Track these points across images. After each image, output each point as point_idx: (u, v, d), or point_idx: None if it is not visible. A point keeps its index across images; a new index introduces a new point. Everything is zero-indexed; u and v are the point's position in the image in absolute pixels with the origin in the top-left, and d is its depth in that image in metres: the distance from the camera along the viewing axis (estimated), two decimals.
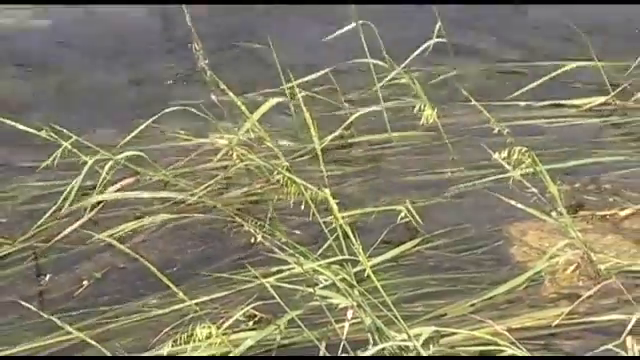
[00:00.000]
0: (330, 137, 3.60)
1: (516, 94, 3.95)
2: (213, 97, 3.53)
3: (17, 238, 3.29)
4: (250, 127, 3.45)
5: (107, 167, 3.30)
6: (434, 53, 4.21)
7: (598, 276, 2.85)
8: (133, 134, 3.52)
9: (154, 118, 3.57)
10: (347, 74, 4.19)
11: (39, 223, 3.32)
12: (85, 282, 3.08)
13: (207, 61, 3.63)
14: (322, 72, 3.96)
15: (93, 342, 2.51)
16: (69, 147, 3.36)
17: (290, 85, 3.55)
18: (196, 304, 2.71)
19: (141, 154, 3.42)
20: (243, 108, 3.46)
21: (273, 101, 3.53)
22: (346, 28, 3.95)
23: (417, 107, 3.40)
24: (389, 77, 3.83)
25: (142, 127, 3.55)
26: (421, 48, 4.05)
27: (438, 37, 4.09)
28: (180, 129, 3.74)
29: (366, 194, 3.41)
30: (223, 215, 3.26)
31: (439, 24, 4.21)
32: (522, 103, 3.95)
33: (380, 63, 3.86)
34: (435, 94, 3.86)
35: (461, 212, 3.32)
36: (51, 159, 3.37)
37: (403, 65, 3.87)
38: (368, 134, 3.77)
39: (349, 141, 3.76)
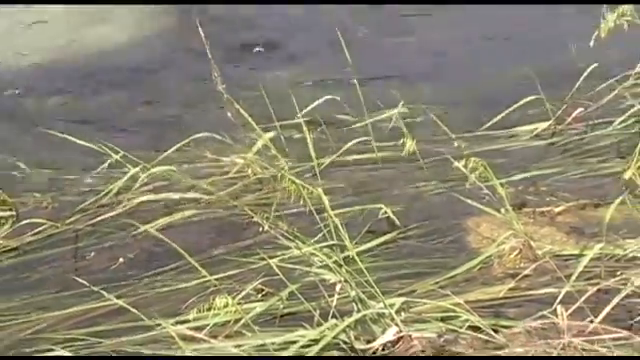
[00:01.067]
0: (328, 161, 3.71)
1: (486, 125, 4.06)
2: (229, 114, 3.64)
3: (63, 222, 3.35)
4: (261, 145, 3.58)
5: (144, 175, 3.42)
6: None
7: (536, 259, 2.94)
8: (169, 152, 3.67)
9: (186, 141, 3.72)
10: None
11: (80, 207, 3.44)
12: (121, 259, 3.13)
13: (224, 85, 3.67)
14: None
15: (131, 308, 2.55)
16: (118, 158, 3.50)
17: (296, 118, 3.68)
18: (215, 279, 2.75)
19: (172, 168, 3.53)
20: (257, 128, 3.60)
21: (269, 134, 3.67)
22: None
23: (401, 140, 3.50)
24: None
25: (177, 147, 3.70)
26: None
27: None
28: (204, 147, 3.82)
29: (355, 198, 3.49)
30: (239, 211, 3.34)
31: None
32: (489, 132, 4.08)
33: None
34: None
35: (431, 210, 3.41)
36: (102, 166, 3.55)
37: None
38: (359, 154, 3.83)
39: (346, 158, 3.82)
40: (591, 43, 3.84)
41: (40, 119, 4.32)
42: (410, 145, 3.36)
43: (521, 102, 4.05)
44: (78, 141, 3.53)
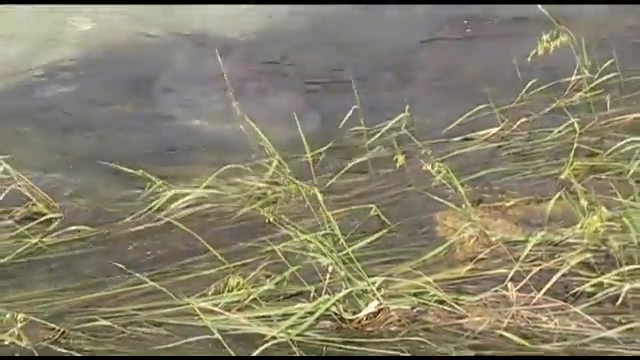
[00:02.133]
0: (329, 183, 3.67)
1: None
2: (241, 127, 3.62)
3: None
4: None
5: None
6: None
7: (490, 245, 3.07)
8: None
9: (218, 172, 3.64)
10: None
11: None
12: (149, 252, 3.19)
13: (238, 103, 3.74)
14: None
15: (161, 287, 2.67)
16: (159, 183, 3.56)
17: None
18: (232, 266, 2.90)
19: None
20: (268, 143, 3.57)
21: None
22: None
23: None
24: None
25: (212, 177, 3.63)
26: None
27: None
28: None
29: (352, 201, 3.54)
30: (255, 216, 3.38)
31: None
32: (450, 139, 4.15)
33: None
34: None
35: (409, 208, 3.50)
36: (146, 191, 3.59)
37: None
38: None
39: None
40: (528, 59, 3.86)
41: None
42: (401, 160, 3.40)
43: (474, 110, 4.18)
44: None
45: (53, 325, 2.65)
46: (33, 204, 3.54)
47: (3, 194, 3.46)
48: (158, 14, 5.85)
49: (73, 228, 3.41)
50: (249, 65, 5.06)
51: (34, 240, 3.31)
